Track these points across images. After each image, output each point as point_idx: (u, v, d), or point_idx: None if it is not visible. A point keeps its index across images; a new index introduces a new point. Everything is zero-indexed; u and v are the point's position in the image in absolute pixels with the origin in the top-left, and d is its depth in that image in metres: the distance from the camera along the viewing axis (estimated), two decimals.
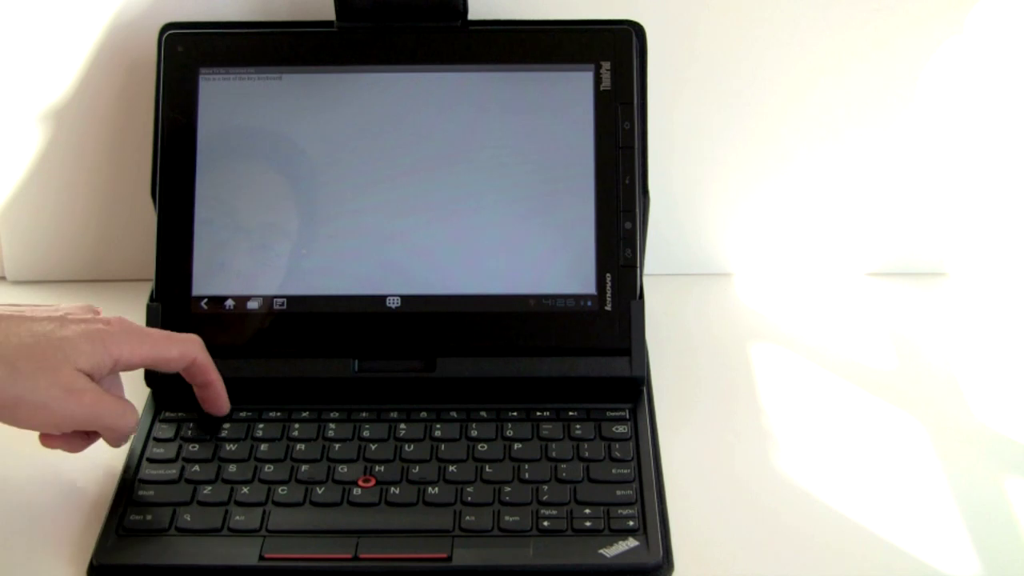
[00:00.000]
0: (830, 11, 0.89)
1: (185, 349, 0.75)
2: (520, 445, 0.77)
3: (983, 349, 0.90)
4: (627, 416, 0.79)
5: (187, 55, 0.84)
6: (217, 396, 0.78)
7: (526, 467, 0.75)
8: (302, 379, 0.80)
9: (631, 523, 0.71)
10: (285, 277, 0.82)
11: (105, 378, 0.73)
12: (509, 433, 0.78)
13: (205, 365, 0.76)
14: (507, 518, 0.72)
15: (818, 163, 0.95)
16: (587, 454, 0.76)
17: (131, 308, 0.82)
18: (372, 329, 0.81)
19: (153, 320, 0.81)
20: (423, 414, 0.79)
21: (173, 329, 0.79)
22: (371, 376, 0.80)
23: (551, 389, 0.80)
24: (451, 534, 0.71)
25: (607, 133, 0.83)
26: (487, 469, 0.75)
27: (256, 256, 0.83)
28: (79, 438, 0.73)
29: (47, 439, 0.72)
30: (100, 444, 0.79)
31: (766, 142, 0.94)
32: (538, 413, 0.79)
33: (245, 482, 0.74)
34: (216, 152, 0.84)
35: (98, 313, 0.74)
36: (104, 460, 0.78)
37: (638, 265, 0.82)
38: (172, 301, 0.82)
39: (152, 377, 0.81)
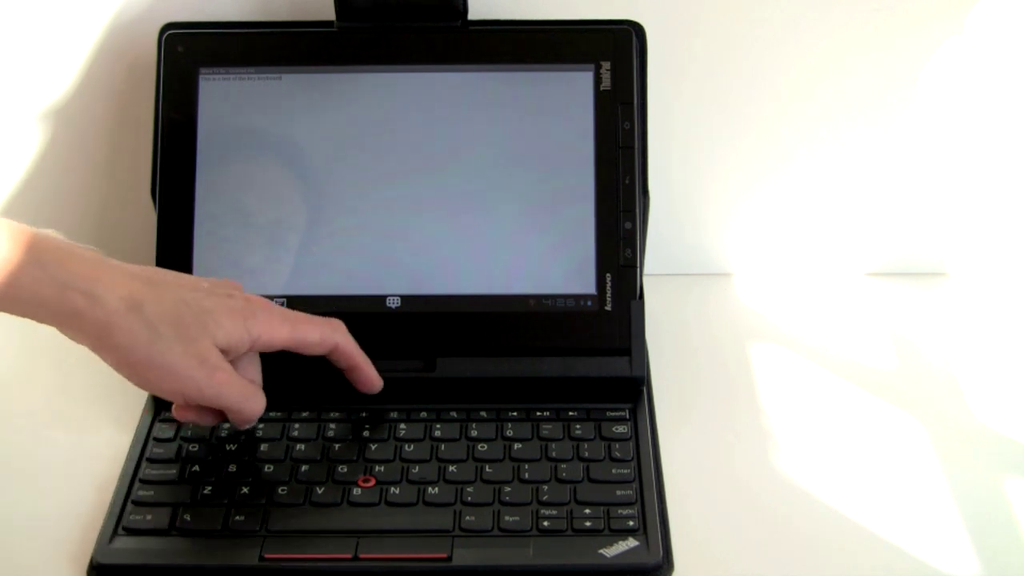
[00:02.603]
0: (830, 11, 0.89)
1: (326, 334, 0.75)
2: (520, 445, 0.77)
3: (983, 349, 0.90)
4: (627, 416, 0.79)
5: (187, 55, 0.84)
6: (366, 378, 0.78)
7: (526, 467, 0.75)
8: (302, 379, 0.80)
9: (631, 523, 0.71)
10: (285, 277, 0.82)
11: (243, 358, 0.74)
12: (509, 433, 0.78)
13: (348, 349, 0.76)
14: (507, 518, 0.72)
15: (818, 163, 0.95)
16: (587, 454, 0.76)
17: None
18: (372, 329, 0.81)
19: None
20: (423, 414, 0.79)
21: None
22: None
23: (551, 389, 0.80)
24: (451, 534, 0.71)
25: (607, 133, 0.83)
26: (487, 469, 0.75)
27: (256, 256, 0.83)
28: (211, 413, 0.74)
29: (180, 411, 0.73)
30: (98, 444, 0.80)
31: (766, 142, 0.94)
32: (538, 413, 0.79)
33: (245, 482, 0.74)
34: (216, 152, 0.84)
35: (238, 288, 0.75)
36: (104, 460, 0.78)
37: (638, 265, 0.82)
38: None
39: None
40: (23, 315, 0.69)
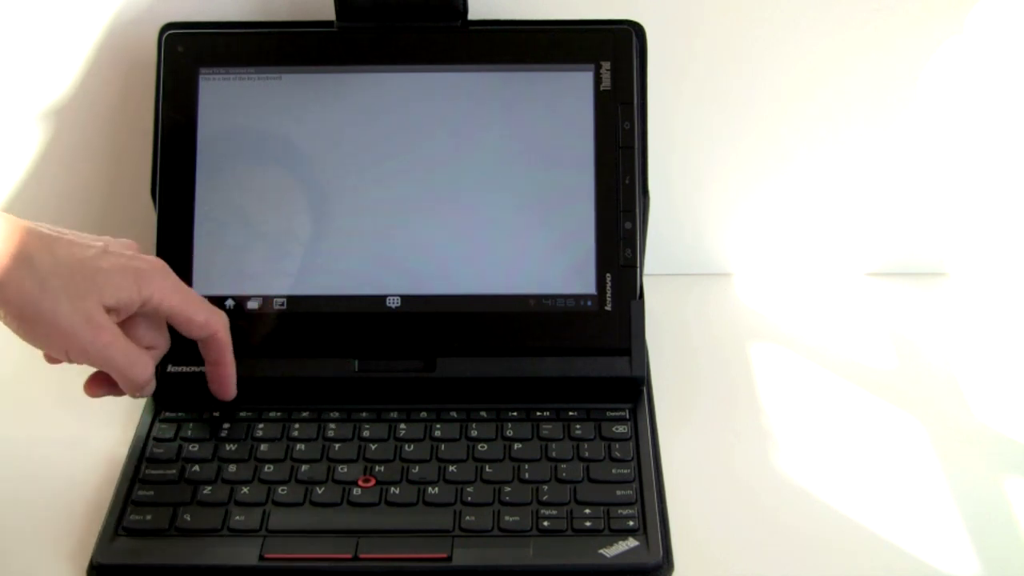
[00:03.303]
0: (830, 11, 0.89)
1: (212, 319, 0.75)
2: (520, 445, 0.77)
3: (983, 349, 0.90)
4: (627, 416, 0.79)
5: (187, 55, 0.84)
6: (224, 378, 0.78)
7: (526, 467, 0.75)
8: (302, 379, 0.80)
9: (631, 523, 0.71)
10: (285, 277, 0.82)
11: (140, 322, 0.74)
12: (509, 433, 0.78)
13: (223, 343, 0.77)
14: (507, 518, 0.72)
15: (818, 163, 0.95)
16: (587, 454, 0.76)
17: None
18: (372, 329, 0.81)
19: None
20: (423, 414, 0.79)
21: (175, 331, 0.79)
22: (371, 376, 0.80)
23: (551, 389, 0.80)
24: (451, 534, 0.71)
25: (607, 133, 0.83)
26: (487, 469, 0.75)
27: (256, 256, 0.83)
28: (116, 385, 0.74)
29: (89, 385, 0.74)
30: (98, 444, 0.79)
31: (766, 142, 0.94)
32: (538, 413, 0.79)
33: (245, 482, 0.74)
34: (216, 152, 0.84)
35: (136, 249, 0.74)
36: (104, 460, 0.78)
37: (638, 265, 0.82)
38: None
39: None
40: None
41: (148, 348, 0.75)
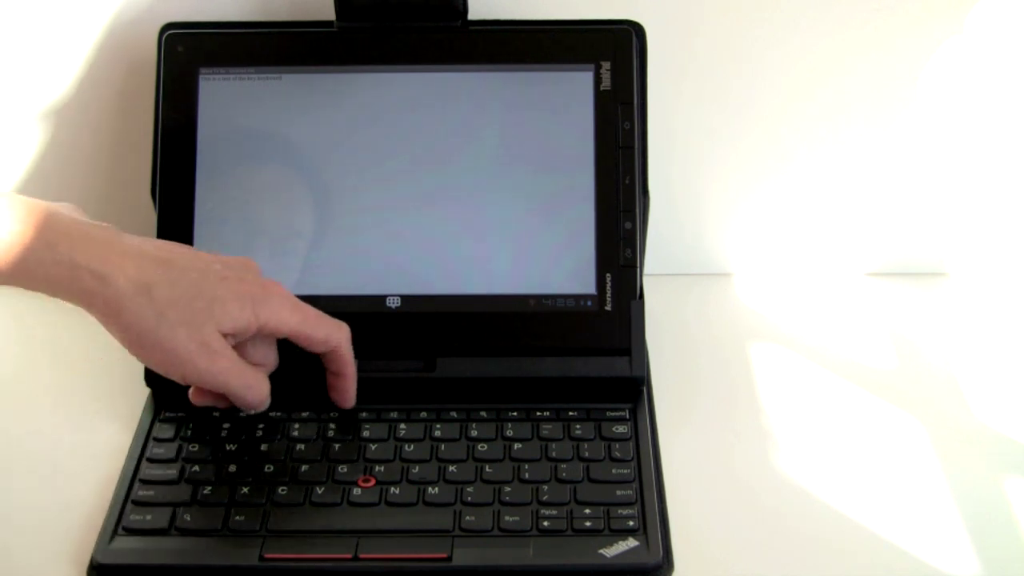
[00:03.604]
0: (830, 11, 0.89)
1: (331, 333, 0.75)
2: (520, 445, 0.77)
3: (983, 349, 0.90)
4: (627, 416, 0.79)
5: (187, 55, 0.84)
6: (346, 389, 0.78)
7: (526, 467, 0.75)
8: (302, 379, 0.80)
9: (631, 523, 0.71)
10: (285, 277, 0.82)
11: (254, 341, 0.75)
12: (509, 433, 0.78)
13: (345, 356, 0.77)
14: (507, 518, 0.72)
15: (818, 163, 0.95)
16: (587, 454, 0.76)
17: None
18: (372, 329, 0.81)
19: None
20: (423, 414, 0.79)
21: None
22: (371, 376, 0.80)
23: (551, 389, 0.80)
24: (451, 534, 0.71)
25: (607, 133, 0.83)
26: (487, 469, 0.75)
27: (256, 256, 0.82)
28: (224, 397, 0.75)
29: (194, 395, 0.76)
30: (98, 444, 0.80)
31: (766, 142, 0.94)
32: (538, 413, 0.79)
33: (245, 482, 0.74)
34: (216, 152, 0.84)
35: (253, 270, 0.75)
36: (105, 459, 0.78)
37: (638, 265, 0.82)
38: None
39: (152, 377, 0.81)
40: (37, 291, 0.70)
41: (258, 365, 0.76)
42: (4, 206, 0.68)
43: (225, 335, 0.72)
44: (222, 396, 0.75)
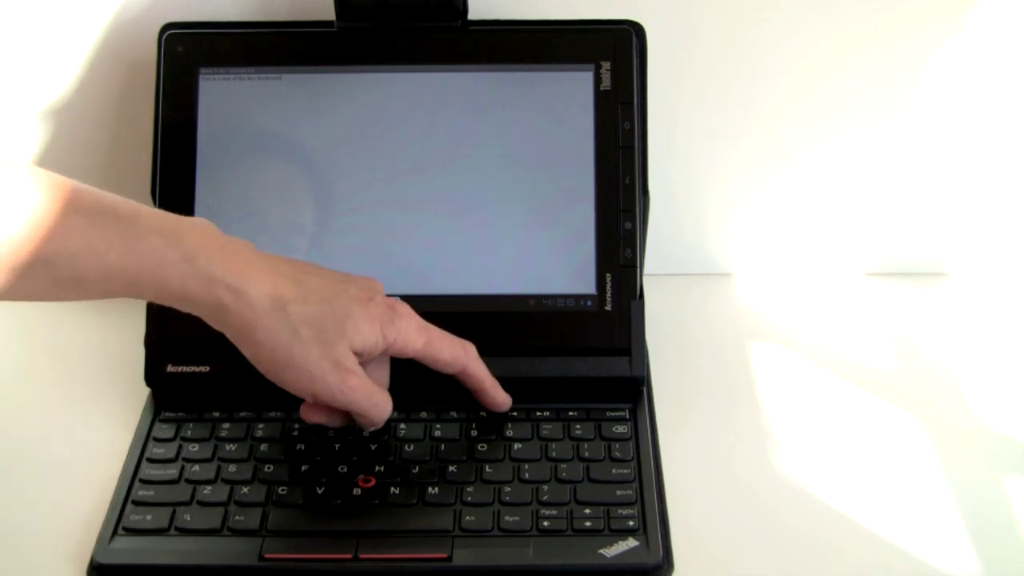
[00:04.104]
0: (830, 11, 0.89)
1: (457, 355, 0.76)
2: (520, 445, 0.77)
3: (983, 349, 0.90)
4: (627, 416, 0.79)
5: (187, 55, 0.84)
6: (493, 400, 0.78)
7: (526, 467, 0.75)
8: None
9: (631, 523, 0.71)
10: None
11: (376, 361, 0.75)
12: (509, 433, 0.78)
13: (477, 374, 0.77)
14: (507, 518, 0.72)
15: (818, 163, 0.95)
16: (587, 454, 0.76)
17: (132, 308, 0.83)
18: None
19: (154, 321, 0.81)
20: (423, 414, 0.79)
21: (172, 328, 0.79)
22: None
23: (551, 389, 0.80)
24: (451, 534, 0.71)
25: (607, 133, 0.83)
26: (487, 469, 0.75)
27: None
28: (339, 415, 0.75)
29: (308, 411, 0.74)
30: (98, 444, 0.80)
31: (766, 142, 0.94)
32: (538, 413, 0.79)
33: (245, 482, 0.74)
34: (216, 152, 0.84)
35: (380, 291, 0.75)
36: (105, 459, 0.78)
37: (638, 265, 0.82)
38: None
39: (152, 377, 0.81)
40: (169, 304, 0.70)
41: (379, 383, 0.76)
42: (145, 217, 0.68)
43: (355, 353, 0.72)
44: (336, 413, 0.75)
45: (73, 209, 0.65)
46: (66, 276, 0.66)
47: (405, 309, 0.75)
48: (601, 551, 0.70)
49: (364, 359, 0.73)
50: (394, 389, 0.80)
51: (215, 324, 0.71)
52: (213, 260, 0.69)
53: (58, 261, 0.65)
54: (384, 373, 0.76)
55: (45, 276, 0.65)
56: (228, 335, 0.71)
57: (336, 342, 0.71)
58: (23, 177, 0.65)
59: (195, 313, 0.70)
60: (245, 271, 0.70)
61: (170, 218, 0.69)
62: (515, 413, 0.79)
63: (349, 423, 0.76)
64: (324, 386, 0.71)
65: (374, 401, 0.73)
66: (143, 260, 0.67)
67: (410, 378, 0.80)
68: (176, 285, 0.68)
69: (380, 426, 0.76)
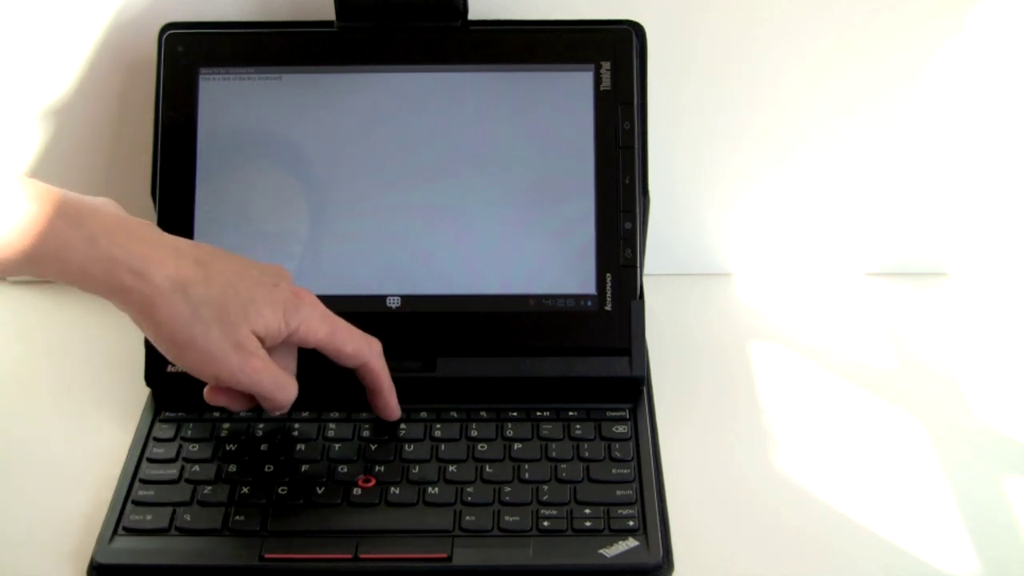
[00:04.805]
0: (830, 11, 0.89)
1: (360, 348, 0.75)
2: (520, 445, 0.77)
3: (983, 349, 0.90)
4: (627, 416, 0.79)
5: (187, 55, 0.84)
6: (385, 404, 0.78)
7: (526, 467, 0.75)
8: (302, 378, 0.80)
9: (631, 523, 0.71)
10: None
11: (280, 347, 0.74)
12: (509, 433, 0.78)
13: (377, 372, 0.77)
14: (507, 518, 0.72)
15: (818, 163, 0.95)
16: (587, 454, 0.76)
17: None
18: (372, 329, 0.80)
19: None
20: (423, 414, 0.79)
21: None
22: None
23: (551, 389, 0.80)
24: (451, 534, 0.71)
25: (607, 133, 0.83)
26: (487, 469, 0.75)
27: (256, 256, 0.82)
28: (242, 398, 0.74)
29: (212, 393, 0.74)
30: (99, 444, 0.80)
31: (766, 142, 0.94)
32: (538, 413, 0.79)
33: (245, 482, 0.74)
34: (216, 152, 0.84)
35: (286, 278, 0.75)
36: (105, 459, 0.78)
37: (638, 265, 0.82)
38: None
39: (152, 377, 0.81)
40: (68, 283, 0.69)
41: (285, 369, 0.75)
42: (43, 198, 0.68)
43: (257, 337, 0.72)
44: (240, 397, 0.74)
45: None
46: None
47: (310, 298, 0.74)
48: (601, 551, 0.70)
49: (267, 344, 0.73)
50: (395, 388, 0.80)
51: (118, 305, 0.70)
52: (115, 242, 0.68)
53: None
54: (291, 362, 0.76)
55: None
56: (131, 316, 0.71)
57: (238, 324, 0.70)
58: None
59: (98, 294, 0.70)
60: (148, 253, 0.69)
61: (74, 199, 0.69)
62: (515, 413, 0.79)
63: (253, 407, 0.75)
64: (226, 367, 0.71)
65: (278, 383, 0.73)
66: (45, 242, 0.67)
67: (411, 378, 0.80)
68: (77, 266, 0.68)
69: (285, 410, 0.75)
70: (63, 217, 0.67)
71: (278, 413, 0.76)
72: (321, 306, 0.75)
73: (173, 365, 0.80)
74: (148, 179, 0.84)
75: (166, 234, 0.72)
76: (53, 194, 0.68)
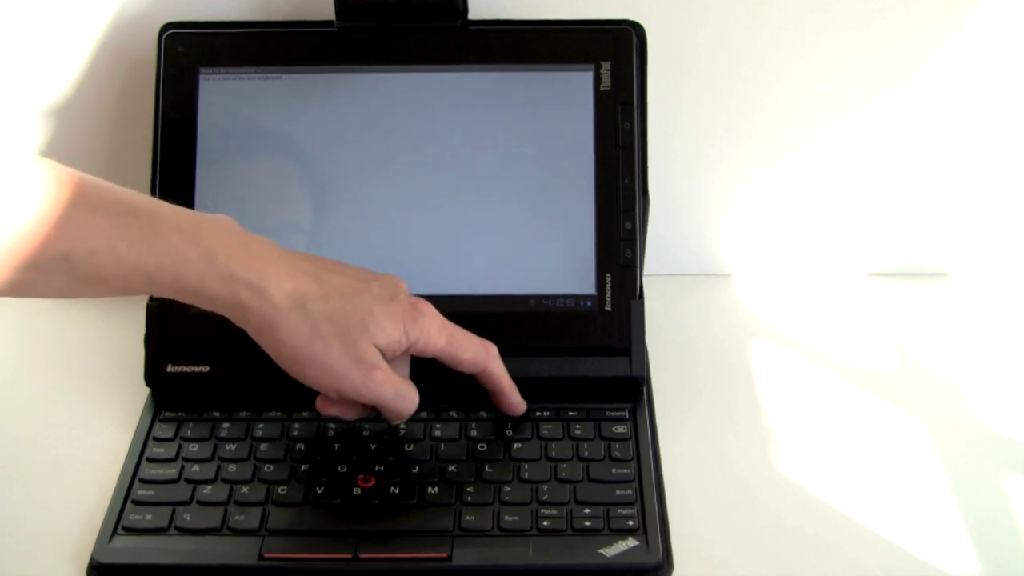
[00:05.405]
0: (830, 11, 0.89)
1: (479, 355, 0.76)
2: (520, 445, 0.77)
3: (984, 349, 0.90)
4: (627, 416, 0.79)
5: (187, 55, 0.84)
6: (508, 403, 0.78)
7: (526, 467, 0.75)
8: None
9: (631, 523, 0.71)
10: None
11: (399, 360, 0.74)
12: (509, 433, 0.78)
13: (496, 375, 0.77)
14: (507, 518, 0.72)
15: (818, 163, 0.95)
16: (587, 454, 0.76)
17: (131, 308, 0.83)
18: None
19: (154, 321, 0.81)
20: (423, 414, 0.79)
21: (172, 328, 0.79)
22: None
23: (551, 389, 0.80)
24: (451, 534, 0.71)
25: (607, 133, 0.83)
26: (487, 469, 0.75)
27: None
28: (357, 407, 0.74)
29: (325, 404, 0.74)
30: (98, 444, 0.79)
31: (766, 142, 0.94)
32: (538, 413, 0.79)
33: (245, 482, 0.74)
34: (216, 152, 0.84)
35: (403, 290, 0.75)
36: (104, 459, 0.78)
37: (638, 265, 0.82)
38: (171, 300, 0.82)
39: (152, 377, 0.81)
40: (187, 301, 0.69)
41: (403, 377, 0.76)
42: (165, 214, 0.68)
43: (378, 348, 0.72)
44: (353, 406, 0.74)
45: (90, 204, 0.66)
46: (84, 273, 0.66)
47: (428, 308, 0.75)
48: (601, 551, 0.70)
49: (388, 357, 0.73)
50: None
51: (237, 321, 0.70)
52: (233, 257, 0.68)
53: (76, 258, 0.65)
54: (405, 369, 0.76)
55: (62, 272, 0.65)
56: (249, 332, 0.71)
57: (358, 339, 0.71)
58: (32, 168, 0.65)
59: (215, 311, 0.70)
60: (265, 268, 0.69)
61: (190, 215, 0.69)
62: None
63: (366, 416, 0.75)
64: (349, 382, 0.71)
65: (401, 394, 0.73)
66: (162, 259, 0.67)
67: (413, 380, 0.80)
68: (195, 283, 0.68)
69: (407, 417, 0.75)
70: (180, 233, 0.67)
71: (398, 423, 0.77)
72: (439, 316, 0.75)
73: (173, 365, 0.80)
74: (148, 179, 0.84)
75: (282, 248, 0.72)
76: (170, 211, 0.68)
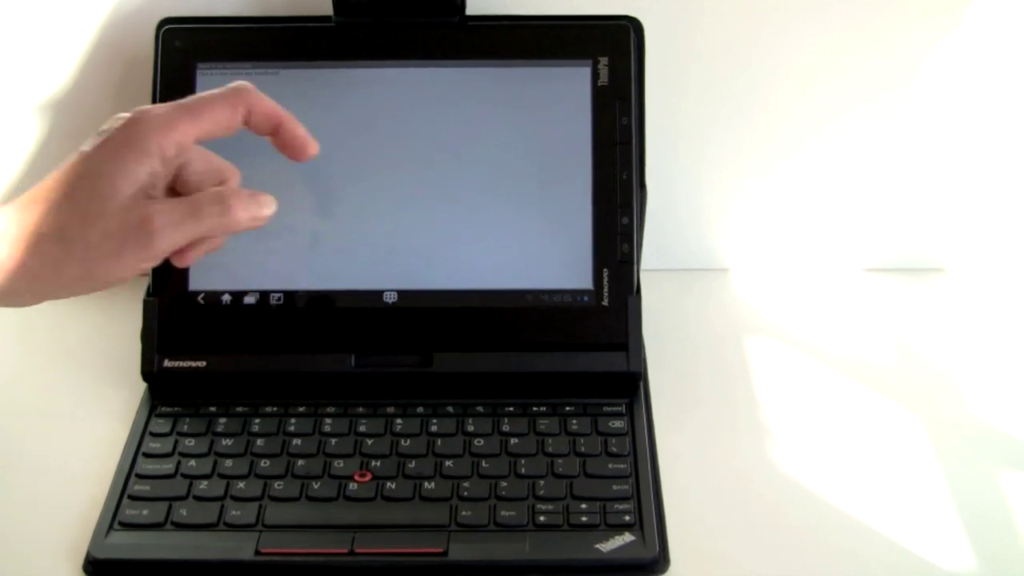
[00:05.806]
0: (829, 8, 0.89)
1: (233, 101, 0.65)
2: (516, 440, 0.77)
3: (981, 345, 0.90)
4: (624, 411, 0.79)
5: (184, 50, 0.84)
6: (295, 136, 0.68)
7: (522, 462, 0.75)
8: (298, 374, 0.80)
9: (627, 518, 0.71)
10: (282, 272, 0.82)
11: (187, 165, 0.66)
12: (505, 428, 0.78)
13: (265, 108, 0.66)
14: (503, 513, 0.72)
15: (816, 158, 0.95)
16: (583, 449, 0.76)
17: (128, 303, 0.83)
18: (369, 324, 0.81)
19: (150, 316, 0.81)
20: (420, 409, 0.79)
21: (168, 323, 0.79)
22: (368, 371, 0.80)
23: (548, 384, 0.80)
24: (447, 529, 0.71)
25: (604, 128, 0.83)
26: (483, 464, 0.75)
27: (253, 251, 0.83)
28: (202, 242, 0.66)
29: (178, 258, 0.66)
30: (94, 439, 0.79)
31: (764, 137, 0.94)
32: (534, 408, 0.79)
33: (241, 477, 0.74)
34: (213, 147, 0.83)
35: (113, 124, 0.63)
36: (101, 454, 0.78)
37: (635, 260, 0.82)
38: (169, 296, 0.82)
39: (148, 372, 0.81)
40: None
41: (221, 183, 0.68)
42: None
43: (146, 196, 0.62)
44: (197, 241, 0.65)
45: None
46: None
47: (145, 113, 0.63)
48: (597, 546, 0.70)
49: (166, 181, 0.64)
50: (391, 384, 0.80)
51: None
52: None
53: None
54: (209, 160, 0.67)
55: None
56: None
57: (104, 210, 0.61)
58: None
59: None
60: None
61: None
62: (511, 408, 0.79)
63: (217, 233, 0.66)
64: (134, 256, 0.62)
65: (195, 215, 0.63)
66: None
67: (408, 373, 0.80)
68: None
69: (263, 214, 0.67)
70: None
71: (258, 224, 0.67)
72: (165, 107, 0.63)
73: (169, 360, 0.80)
74: None
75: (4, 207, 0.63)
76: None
